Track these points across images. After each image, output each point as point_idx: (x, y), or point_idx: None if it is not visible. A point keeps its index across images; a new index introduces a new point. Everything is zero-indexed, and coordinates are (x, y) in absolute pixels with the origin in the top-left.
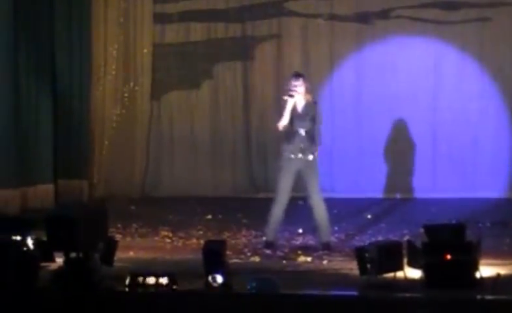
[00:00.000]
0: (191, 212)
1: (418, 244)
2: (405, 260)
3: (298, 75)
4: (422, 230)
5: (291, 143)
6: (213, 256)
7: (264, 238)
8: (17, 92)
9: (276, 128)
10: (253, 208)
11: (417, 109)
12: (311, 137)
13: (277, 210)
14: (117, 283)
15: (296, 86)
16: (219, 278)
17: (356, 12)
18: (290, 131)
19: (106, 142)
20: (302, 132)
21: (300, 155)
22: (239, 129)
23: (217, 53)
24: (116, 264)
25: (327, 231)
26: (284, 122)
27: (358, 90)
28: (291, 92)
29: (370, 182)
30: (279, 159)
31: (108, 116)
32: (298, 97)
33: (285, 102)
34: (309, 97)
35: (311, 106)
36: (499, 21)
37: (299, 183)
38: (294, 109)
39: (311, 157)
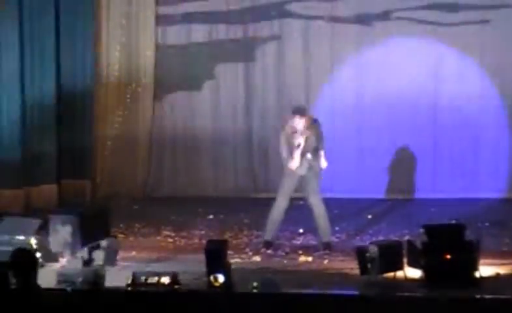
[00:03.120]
0: (193, 212)
1: (418, 244)
2: (405, 260)
3: (300, 113)
4: (422, 230)
5: (299, 167)
6: (215, 256)
7: (263, 238)
8: (22, 94)
9: (289, 169)
10: (255, 208)
11: (417, 110)
12: (315, 151)
13: (277, 212)
14: (120, 283)
15: (299, 124)
16: (221, 278)
17: (357, 13)
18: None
19: (109, 142)
20: (309, 155)
21: (308, 169)
22: (240, 129)
23: (219, 54)
24: (119, 263)
25: (327, 231)
26: (295, 164)
27: (359, 92)
28: (298, 142)
29: (370, 182)
30: (286, 169)
31: (111, 116)
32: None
33: (295, 146)
34: (310, 127)
35: (313, 132)
36: (499, 22)
37: (300, 183)
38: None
39: (316, 163)
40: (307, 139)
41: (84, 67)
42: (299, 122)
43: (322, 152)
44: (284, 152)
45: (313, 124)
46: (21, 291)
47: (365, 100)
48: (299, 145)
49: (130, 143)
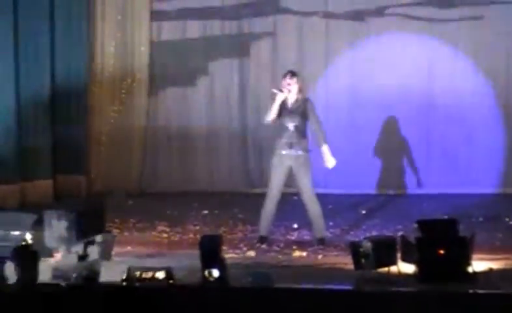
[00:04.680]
0: (187, 207)
1: (412, 239)
2: (399, 255)
3: (292, 74)
4: (416, 225)
5: (281, 139)
6: (210, 251)
7: (259, 233)
8: (17, 89)
9: (262, 121)
10: (249, 203)
11: (411, 106)
12: (301, 132)
13: (270, 206)
14: (114, 278)
15: (289, 84)
16: (215, 272)
17: (351, 9)
18: (281, 127)
19: (104, 138)
20: (291, 126)
21: (290, 150)
22: (235, 125)
23: (214, 50)
24: (114, 258)
25: (321, 227)
26: (271, 116)
27: (352, 88)
28: (282, 88)
29: (364, 178)
30: (272, 155)
31: (106, 112)
32: (289, 94)
33: (275, 95)
34: (300, 96)
35: (302, 102)
36: (492, 19)
37: (292, 179)
38: (284, 105)
39: (300, 152)
40: (293, 104)
41: (79, 62)
42: (289, 82)
43: (325, 149)
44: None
45: (305, 100)
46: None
47: (359, 96)
48: (281, 91)
49: (125, 139)
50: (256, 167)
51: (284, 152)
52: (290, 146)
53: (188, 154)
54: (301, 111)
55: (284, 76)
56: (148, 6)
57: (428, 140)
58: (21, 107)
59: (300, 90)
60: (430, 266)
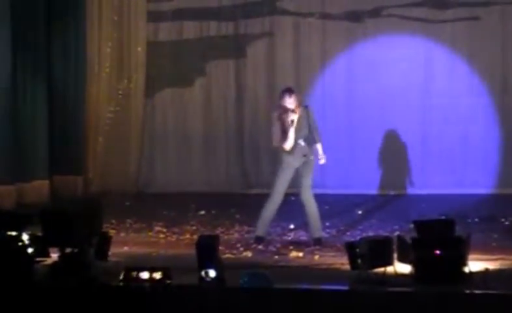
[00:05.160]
0: (184, 207)
1: (408, 239)
2: (395, 255)
3: (290, 92)
4: (412, 226)
5: (293, 154)
6: (207, 251)
7: (255, 234)
8: (14, 90)
9: (282, 149)
10: (246, 203)
11: (407, 107)
12: (310, 141)
13: (271, 208)
14: (111, 278)
15: (291, 103)
16: (212, 273)
17: (347, 10)
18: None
19: (100, 138)
20: (302, 142)
21: (303, 160)
22: (232, 126)
23: (210, 51)
24: (111, 259)
25: (318, 227)
26: (290, 143)
27: (349, 88)
28: (291, 119)
29: (361, 178)
30: (281, 162)
31: (102, 113)
32: (294, 115)
33: (288, 124)
34: (300, 109)
35: (303, 115)
36: (488, 20)
37: (292, 178)
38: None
39: (312, 157)
40: (298, 120)
41: (76, 64)
42: (290, 101)
43: (319, 146)
44: (277, 135)
45: (305, 108)
46: None
47: (356, 96)
48: (292, 122)
49: (122, 139)
50: (252, 168)
51: (297, 160)
52: (304, 156)
53: (185, 155)
54: (306, 123)
55: (283, 95)
56: (145, 7)
57: (425, 140)
58: (19, 107)
59: (300, 104)
60: (427, 266)
